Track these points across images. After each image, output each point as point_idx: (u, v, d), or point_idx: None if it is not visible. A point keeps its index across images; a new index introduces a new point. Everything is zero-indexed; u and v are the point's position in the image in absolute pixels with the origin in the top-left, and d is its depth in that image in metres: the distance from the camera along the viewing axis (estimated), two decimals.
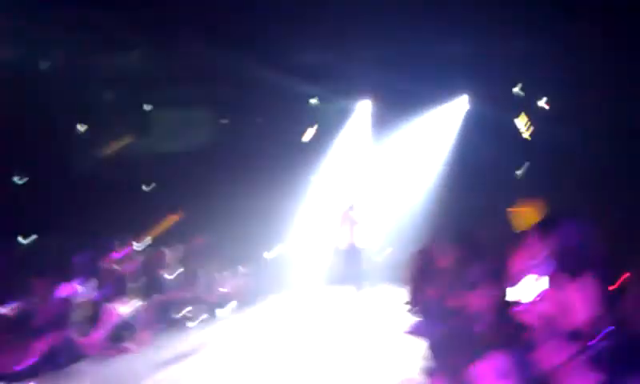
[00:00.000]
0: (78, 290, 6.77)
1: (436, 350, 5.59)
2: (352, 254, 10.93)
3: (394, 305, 8.91)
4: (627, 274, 6.24)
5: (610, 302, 3.64)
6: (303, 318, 8.58)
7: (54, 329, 6.22)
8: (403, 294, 8.89)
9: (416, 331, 6.81)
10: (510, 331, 3.92)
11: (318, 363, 6.23)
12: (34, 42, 9.59)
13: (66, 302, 6.49)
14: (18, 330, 6.14)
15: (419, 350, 6.30)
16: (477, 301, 4.94)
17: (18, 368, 5.87)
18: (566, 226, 4.93)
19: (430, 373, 5.35)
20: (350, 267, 10.90)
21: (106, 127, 12.47)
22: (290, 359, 6.44)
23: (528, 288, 3.05)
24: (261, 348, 7.00)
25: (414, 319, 7.32)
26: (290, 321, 8.51)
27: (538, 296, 3.02)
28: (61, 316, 6.35)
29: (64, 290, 6.64)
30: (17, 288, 6.82)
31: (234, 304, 9.77)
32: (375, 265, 12.47)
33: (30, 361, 6.02)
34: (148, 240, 8.64)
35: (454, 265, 6.98)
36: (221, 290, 9.78)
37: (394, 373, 5.66)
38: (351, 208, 11.09)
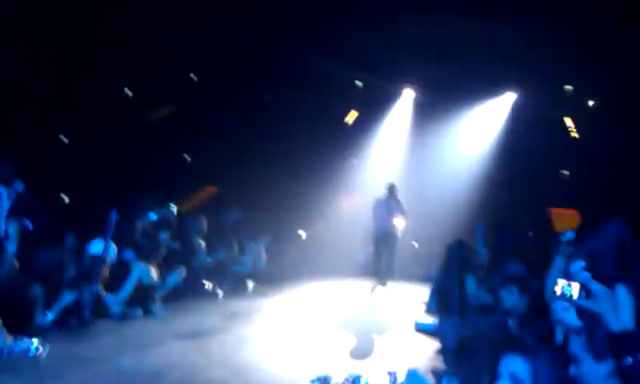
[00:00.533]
0: (110, 249, 6.83)
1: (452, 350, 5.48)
2: (385, 242, 10.73)
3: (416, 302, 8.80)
4: None
5: None
6: (323, 309, 8.41)
7: (84, 283, 6.32)
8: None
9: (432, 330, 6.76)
10: (543, 332, 3.79)
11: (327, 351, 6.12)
12: None
13: (97, 258, 6.56)
14: (50, 279, 6.30)
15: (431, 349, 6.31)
16: (509, 297, 4.79)
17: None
18: (608, 231, 4.72)
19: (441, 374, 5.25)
20: (381, 255, 10.69)
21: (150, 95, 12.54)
22: (303, 344, 6.33)
23: (566, 289, 2.89)
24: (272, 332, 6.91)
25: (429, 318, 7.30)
26: (311, 309, 8.33)
27: (576, 298, 2.86)
28: (90, 272, 6.43)
29: (96, 247, 6.73)
30: (54, 241, 7.01)
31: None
32: (408, 255, 12.40)
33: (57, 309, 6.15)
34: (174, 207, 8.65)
35: (492, 258, 6.86)
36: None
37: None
38: (388, 196, 10.87)
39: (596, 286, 2.82)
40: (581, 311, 2.95)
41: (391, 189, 10.99)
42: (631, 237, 4.31)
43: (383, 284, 10.43)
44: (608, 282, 3.64)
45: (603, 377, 2.79)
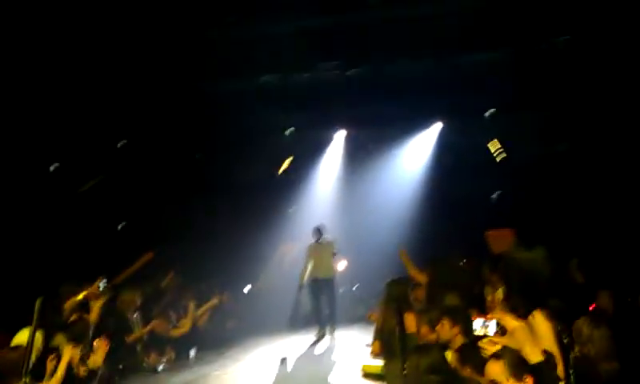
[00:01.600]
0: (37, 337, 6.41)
1: None
2: (321, 288, 10.49)
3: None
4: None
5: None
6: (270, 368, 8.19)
7: (10, 377, 5.87)
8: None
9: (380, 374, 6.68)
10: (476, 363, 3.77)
11: None
12: None
13: (20, 349, 6.14)
14: None
15: None
16: (448, 333, 4.78)
17: None
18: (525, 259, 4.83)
19: None
20: (318, 303, 10.46)
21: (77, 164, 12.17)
22: None
23: (493, 321, 2.90)
24: None
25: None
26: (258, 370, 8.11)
27: (500, 329, 2.87)
28: (15, 365, 5.99)
29: (21, 337, 6.31)
30: None
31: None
32: (345, 298, 12.35)
33: None
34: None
35: (428, 292, 6.87)
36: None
37: None
38: (319, 240, 10.65)
39: (510, 322, 2.83)
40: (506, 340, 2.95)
41: (317, 231, 10.71)
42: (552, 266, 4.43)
43: (329, 332, 10.19)
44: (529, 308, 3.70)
45: None
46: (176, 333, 8.81)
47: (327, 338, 10.09)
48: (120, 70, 10.52)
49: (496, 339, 2.87)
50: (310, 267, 10.54)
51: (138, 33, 9.78)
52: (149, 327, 8.46)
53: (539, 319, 3.53)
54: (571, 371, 3.27)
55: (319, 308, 10.47)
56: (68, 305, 7.06)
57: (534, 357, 2.74)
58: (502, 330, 2.84)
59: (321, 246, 10.59)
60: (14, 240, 9.97)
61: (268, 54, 10.71)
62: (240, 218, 13.28)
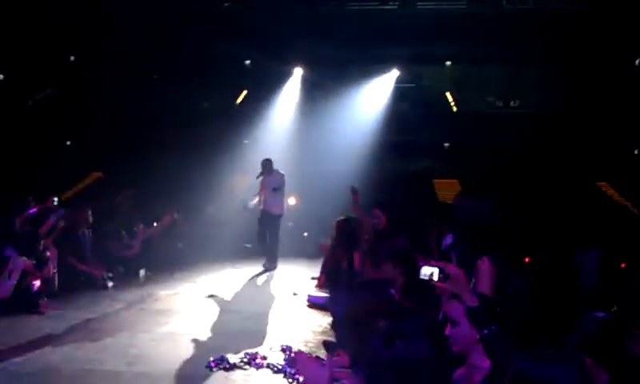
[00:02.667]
0: None
1: (342, 322, 5.79)
2: (265, 222, 10.50)
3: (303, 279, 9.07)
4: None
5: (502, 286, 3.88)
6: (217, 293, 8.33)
7: None
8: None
9: (323, 304, 7.06)
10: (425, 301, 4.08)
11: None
12: None
13: None
14: None
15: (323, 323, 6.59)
16: (392, 272, 5.09)
17: None
18: (472, 206, 5.12)
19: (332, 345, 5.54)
20: (264, 235, 10.48)
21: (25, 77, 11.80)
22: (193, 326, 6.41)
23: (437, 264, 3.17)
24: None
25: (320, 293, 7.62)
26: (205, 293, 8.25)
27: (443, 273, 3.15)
28: None
29: None
30: None
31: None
32: (294, 233, 12.66)
33: None
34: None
35: (376, 235, 7.18)
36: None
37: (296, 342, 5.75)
38: (269, 173, 10.48)
39: (452, 269, 3.10)
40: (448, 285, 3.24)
41: (264, 165, 10.55)
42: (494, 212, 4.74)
43: (269, 267, 10.26)
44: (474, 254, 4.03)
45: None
46: (127, 252, 8.91)
47: (271, 270, 10.29)
48: None
49: (439, 285, 3.16)
50: (260, 197, 10.58)
51: None
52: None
53: (485, 265, 3.86)
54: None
55: (262, 240, 10.57)
56: (21, 218, 7.06)
57: (472, 301, 3.04)
58: (444, 276, 3.12)
59: (266, 180, 10.47)
60: None
61: None
62: (194, 146, 13.28)
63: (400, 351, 2.82)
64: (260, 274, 10.05)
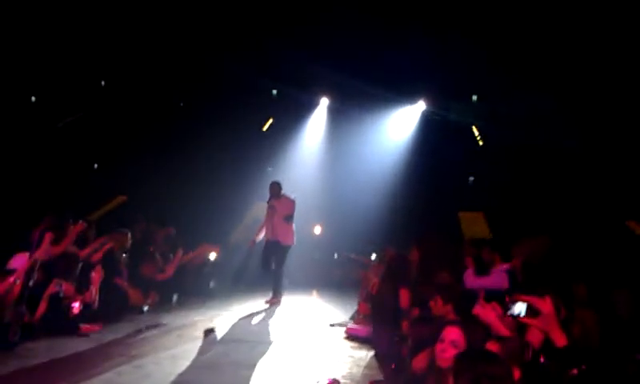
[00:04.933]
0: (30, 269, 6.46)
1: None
2: (270, 251, 9.66)
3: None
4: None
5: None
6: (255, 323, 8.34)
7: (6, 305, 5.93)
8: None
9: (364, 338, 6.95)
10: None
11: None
12: None
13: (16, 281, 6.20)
14: None
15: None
16: (442, 309, 5.04)
17: None
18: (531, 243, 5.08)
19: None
20: (267, 265, 9.67)
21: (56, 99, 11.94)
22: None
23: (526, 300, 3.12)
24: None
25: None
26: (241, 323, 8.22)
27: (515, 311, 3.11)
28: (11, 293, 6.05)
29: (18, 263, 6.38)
30: None
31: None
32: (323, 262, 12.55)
33: None
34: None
35: (418, 270, 7.13)
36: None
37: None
38: (278, 198, 9.65)
39: (544, 306, 3.05)
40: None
41: (273, 189, 9.70)
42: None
43: (273, 301, 9.51)
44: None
45: None
46: (161, 277, 8.90)
47: (309, 298, 10.23)
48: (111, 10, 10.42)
49: (528, 321, 3.10)
50: (262, 227, 9.87)
51: None
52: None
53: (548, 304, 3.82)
54: None
55: (266, 270, 9.77)
56: (67, 241, 7.06)
57: (562, 341, 2.98)
58: (531, 312, 3.07)
59: (273, 206, 9.65)
60: None
61: None
62: (218, 172, 13.32)
63: None
64: (289, 304, 9.88)
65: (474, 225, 12.62)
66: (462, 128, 13.23)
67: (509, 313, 3.07)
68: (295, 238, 9.84)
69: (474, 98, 12.87)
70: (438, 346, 3.56)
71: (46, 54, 10.73)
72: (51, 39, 10.55)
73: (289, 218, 9.62)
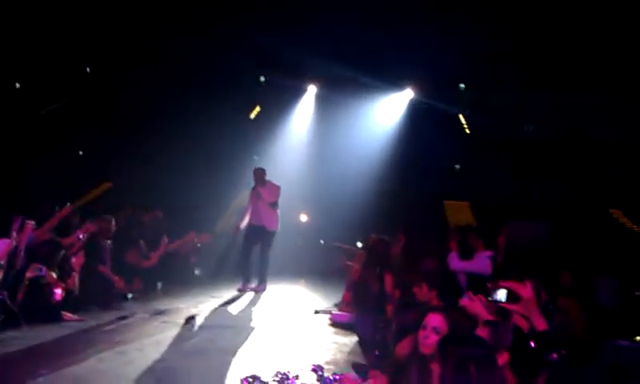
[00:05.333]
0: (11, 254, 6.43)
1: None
2: (254, 237, 9.61)
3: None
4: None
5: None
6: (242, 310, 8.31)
7: None
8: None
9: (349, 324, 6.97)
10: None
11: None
12: None
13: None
14: None
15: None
16: (427, 295, 5.07)
17: None
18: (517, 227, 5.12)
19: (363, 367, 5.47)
20: (247, 253, 9.61)
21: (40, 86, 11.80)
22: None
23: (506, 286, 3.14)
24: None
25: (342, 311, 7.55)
26: (229, 309, 8.25)
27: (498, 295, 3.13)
28: None
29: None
30: None
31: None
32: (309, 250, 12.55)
33: None
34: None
35: (404, 256, 7.17)
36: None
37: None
38: (263, 184, 9.60)
39: (524, 292, 3.08)
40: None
41: (258, 175, 9.66)
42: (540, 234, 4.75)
43: (257, 289, 9.47)
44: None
45: None
46: (145, 264, 8.85)
47: (294, 286, 10.21)
48: None
49: (508, 306, 3.13)
50: (246, 213, 9.79)
51: None
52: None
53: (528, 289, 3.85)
54: None
55: (245, 258, 9.69)
56: (48, 226, 7.01)
57: (542, 325, 3.01)
58: (512, 298, 3.09)
59: (257, 192, 9.62)
60: None
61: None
62: (205, 160, 13.24)
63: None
64: (274, 291, 9.88)
65: (460, 213, 12.65)
66: (449, 116, 13.21)
67: (490, 298, 3.10)
68: (279, 224, 9.84)
69: (462, 86, 12.84)
70: (421, 333, 3.58)
71: (30, 41, 10.60)
72: (36, 25, 10.43)
73: (274, 204, 9.66)
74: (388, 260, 6.36)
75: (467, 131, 13.06)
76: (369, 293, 6.22)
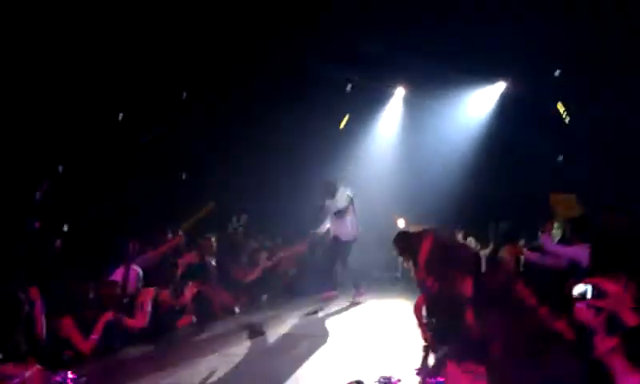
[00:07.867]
0: (129, 275, 6.96)
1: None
2: (335, 248, 9.77)
3: None
4: None
5: None
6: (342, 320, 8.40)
7: (107, 309, 6.38)
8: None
9: None
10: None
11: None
12: None
13: (116, 284, 6.71)
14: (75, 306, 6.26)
15: None
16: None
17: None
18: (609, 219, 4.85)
19: None
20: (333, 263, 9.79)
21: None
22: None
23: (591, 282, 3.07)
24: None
25: None
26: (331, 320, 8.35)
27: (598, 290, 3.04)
28: (112, 297, 6.54)
29: (116, 274, 6.89)
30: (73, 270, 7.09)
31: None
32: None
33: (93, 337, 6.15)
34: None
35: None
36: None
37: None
38: (332, 197, 9.71)
39: (611, 287, 2.98)
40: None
41: (325, 188, 9.81)
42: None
43: (356, 296, 9.58)
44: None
45: None
46: (249, 278, 9.27)
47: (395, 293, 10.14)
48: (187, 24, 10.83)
49: (596, 303, 3.04)
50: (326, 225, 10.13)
51: None
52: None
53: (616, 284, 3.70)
54: None
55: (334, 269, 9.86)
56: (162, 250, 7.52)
57: (633, 320, 2.91)
58: (599, 294, 3.01)
59: (329, 205, 9.76)
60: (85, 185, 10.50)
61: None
62: (297, 173, 13.50)
63: None
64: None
65: (568, 206, 12.05)
66: (545, 106, 12.64)
67: (574, 295, 3.03)
68: (355, 233, 9.89)
69: (557, 72, 12.26)
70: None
71: (129, 70, 11.25)
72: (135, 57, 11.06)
73: (341, 213, 9.70)
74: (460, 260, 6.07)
75: (567, 119, 12.44)
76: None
